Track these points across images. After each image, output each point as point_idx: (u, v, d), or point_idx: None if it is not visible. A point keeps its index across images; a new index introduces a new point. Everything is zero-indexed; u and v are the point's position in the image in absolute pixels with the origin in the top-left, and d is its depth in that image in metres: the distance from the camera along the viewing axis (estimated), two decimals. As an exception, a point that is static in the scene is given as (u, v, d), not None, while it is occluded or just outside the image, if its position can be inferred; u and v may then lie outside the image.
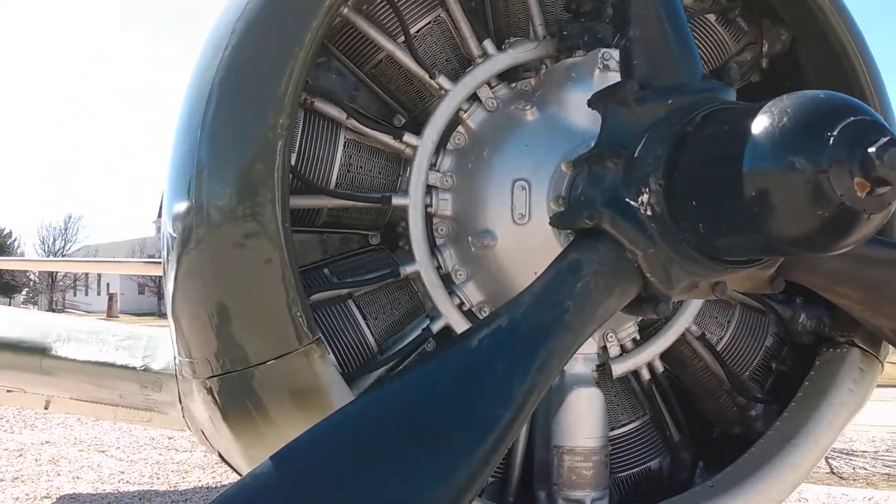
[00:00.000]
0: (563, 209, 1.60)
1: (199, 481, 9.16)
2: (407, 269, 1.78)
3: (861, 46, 1.96)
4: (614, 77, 1.70)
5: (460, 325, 1.79)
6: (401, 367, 1.80)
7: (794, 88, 1.19)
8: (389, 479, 1.23)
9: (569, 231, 1.59)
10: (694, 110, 1.31)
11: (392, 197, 1.77)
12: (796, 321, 2.09)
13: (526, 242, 1.67)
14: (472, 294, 1.80)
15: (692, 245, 1.28)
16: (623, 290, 1.37)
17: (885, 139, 1.03)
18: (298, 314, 1.50)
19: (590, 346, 1.87)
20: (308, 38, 1.52)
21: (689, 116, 1.30)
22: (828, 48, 1.93)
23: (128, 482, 8.74)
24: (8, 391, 3.68)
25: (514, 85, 1.87)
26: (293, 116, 1.52)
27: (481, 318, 1.82)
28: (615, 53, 1.71)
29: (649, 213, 1.30)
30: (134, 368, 3.29)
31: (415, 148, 1.79)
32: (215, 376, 1.60)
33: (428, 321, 1.81)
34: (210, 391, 1.69)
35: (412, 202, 1.77)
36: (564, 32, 1.80)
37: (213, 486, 8.93)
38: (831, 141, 1.05)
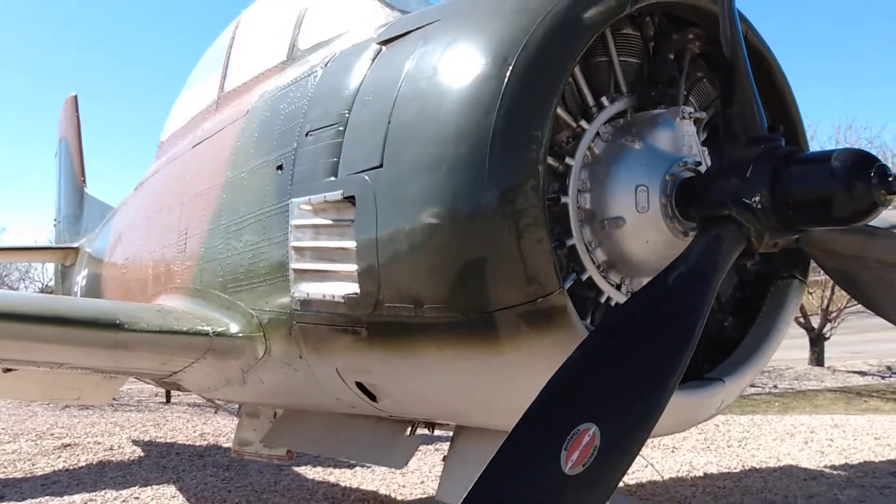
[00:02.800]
0: (669, 204, 2.74)
1: (52, 466, 9.20)
2: (568, 242, 2.81)
3: (792, 93, 3.29)
4: (687, 123, 2.86)
5: (595, 275, 2.86)
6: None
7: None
8: (651, 361, 2.31)
9: (672, 216, 2.73)
10: (778, 151, 2.50)
11: (560, 197, 2.80)
12: (746, 266, 3.43)
13: (644, 224, 2.77)
14: (600, 256, 2.87)
15: (781, 223, 2.48)
16: (738, 249, 2.55)
17: (892, 175, 2.29)
18: (556, 269, 2.51)
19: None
20: (553, 106, 2.52)
21: (779, 155, 2.49)
22: (780, 101, 3.24)
23: (-27, 474, 8.61)
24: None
25: (612, 123, 2.96)
26: (546, 153, 2.52)
27: (601, 273, 2.90)
28: (688, 109, 2.87)
29: (759, 207, 2.47)
30: (207, 334, 3.92)
31: (569, 166, 2.82)
32: (494, 311, 2.55)
33: (575, 274, 2.86)
34: (466, 324, 2.63)
35: (571, 200, 2.81)
36: (652, 94, 2.94)
37: (70, 468, 9.01)
38: (872, 173, 2.29)
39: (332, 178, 3.18)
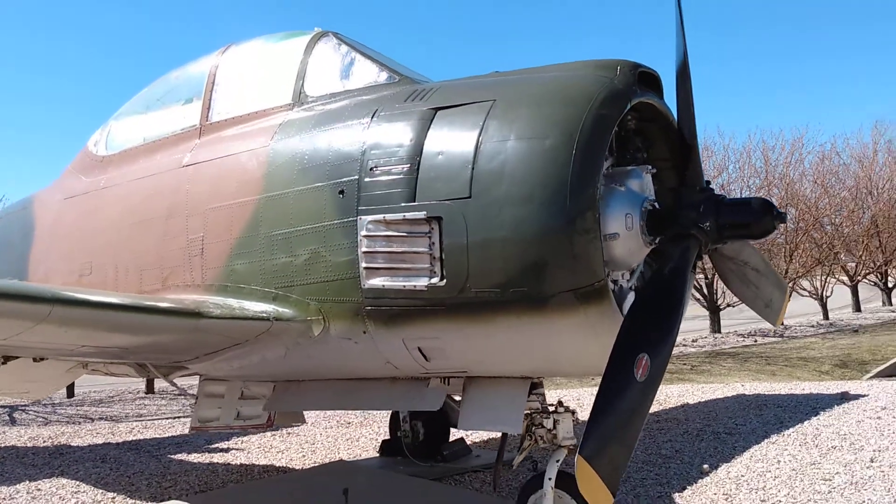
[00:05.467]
0: (644, 225, 4.48)
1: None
2: (588, 248, 4.45)
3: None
4: (648, 176, 4.64)
5: (599, 270, 4.53)
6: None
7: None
8: (668, 316, 4.07)
9: (645, 233, 4.48)
10: (715, 196, 4.36)
11: (585, 220, 4.43)
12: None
13: (630, 238, 4.47)
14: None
15: (719, 237, 4.34)
16: (696, 252, 4.37)
17: (783, 212, 4.24)
18: (603, 265, 4.14)
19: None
20: (603, 164, 4.16)
21: (716, 199, 4.34)
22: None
23: None
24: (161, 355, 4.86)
25: (603, 173, 4.64)
26: (600, 193, 4.14)
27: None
28: (650, 167, 4.64)
29: (709, 228, 4.31)
30: (267, 319, 5.00)
31: (588, 200, 4.46)
32: (566, 291, 4.11)
33: (587, 269, 4.51)
34: (544, 300, 4.16)
35: (590, 222, 4.45)
36: (627, 156, 4.68)
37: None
38: (775, 212, 4.22)
39: (410, 203, 4.54)
